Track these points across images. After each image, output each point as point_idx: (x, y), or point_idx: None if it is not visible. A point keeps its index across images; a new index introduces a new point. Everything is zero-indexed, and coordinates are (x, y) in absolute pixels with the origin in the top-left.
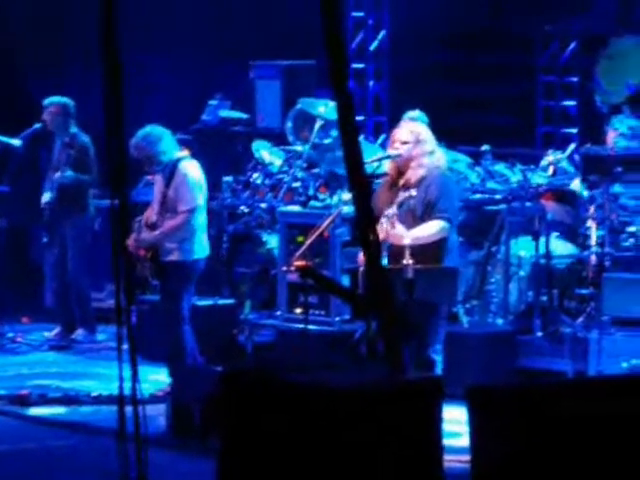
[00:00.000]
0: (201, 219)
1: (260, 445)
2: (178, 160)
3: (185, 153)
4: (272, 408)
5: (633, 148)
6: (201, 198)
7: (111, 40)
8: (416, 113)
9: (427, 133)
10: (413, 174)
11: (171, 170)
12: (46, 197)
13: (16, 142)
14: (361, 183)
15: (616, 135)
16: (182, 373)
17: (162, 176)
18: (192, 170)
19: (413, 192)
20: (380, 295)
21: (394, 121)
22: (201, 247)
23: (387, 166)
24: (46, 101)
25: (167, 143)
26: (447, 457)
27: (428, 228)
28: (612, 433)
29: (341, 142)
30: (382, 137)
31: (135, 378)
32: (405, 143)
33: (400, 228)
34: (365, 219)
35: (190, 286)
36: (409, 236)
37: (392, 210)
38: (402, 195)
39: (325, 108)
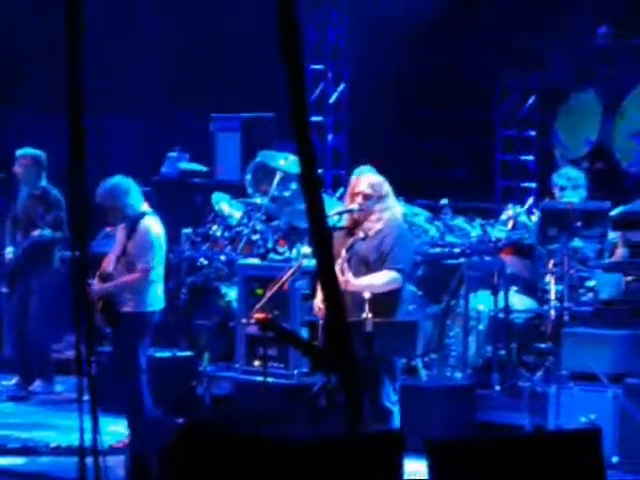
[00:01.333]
0: (159, 272)
1: None
2: (142, 214)
3: (148, 207)
4: (231, 461)
5: (592, 203)
6: (159, 257)
7: (77, 94)
8: (366, 168)
9: (387, 187)
10: (371, 226)
11: (133, 224)
12: (9, 251)
13: None
14: (323, 235)
15: (558, 190)
16: (140, 425)
17: (124, 227)
18: (154, 227)
19: (361, 234)
20: (340, 348)
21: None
22: (157, 299)
23: (347, 220)
24: (19, 152)
25: (134, 196)
26: None
27: (379, 277)
28: None
29: (303, 194)
30: (340, 190)
31: (96, 429)
32: (366, 197)
33: (349, 275)
34: (326, 271)
35: (145, 337)
36: (357, 283)
37: (342, 254)
38: (352, 239)
39: (285, 161)
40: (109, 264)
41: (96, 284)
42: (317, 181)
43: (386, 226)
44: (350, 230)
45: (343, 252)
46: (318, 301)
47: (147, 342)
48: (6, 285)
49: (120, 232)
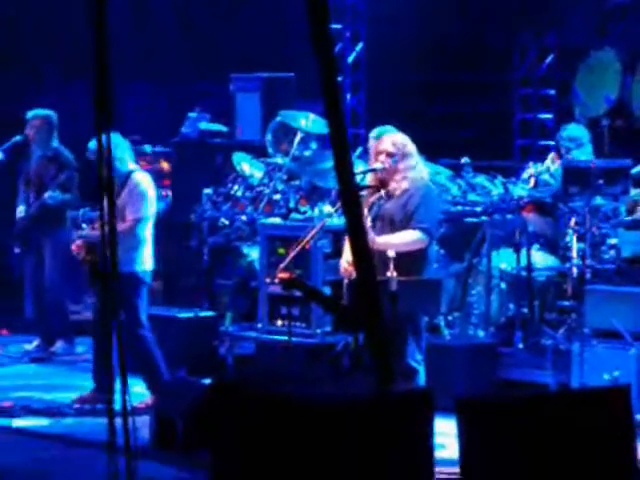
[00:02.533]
0: (147, 232)
1: (250, 456)
2: (131, 172)
3: (136, 166)
4: (258, 421)
5: (615, 161)
6: (149, 210)
7: (104, 58)
8: (386, 128)
9: (411, 146)
10: (397, 186)
11: (124, 180)
12: (21, 210)
13: None
14: (351, 193)
15: (564, 152)
16: (159, 382)
17: (115, 185)
18: (143, 182)
19: (386, 194)
20: (370, 306)
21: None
22: (147, 259)
23: (369, 178)
24: (30, 114)
25: (124, 152)
26: None
27: (403, 236)
28: (598, 443)
29: (332, 153)
30: (359, 150)
31: (125, 390)
32: (390, 155)
33: (371, 234)
34: (355, 229)
35: (141, 295)
36: (381, 242)
37: (366, 214)
38: (375, 198)
39: (306, 120)
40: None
41: (88, 230)
42: (345, 140)
43: (412, 185)
44: (375, 190)
45: (365, 211)
46: (344, 261)
47: (144, 300)
48: (19, 245)
49: None
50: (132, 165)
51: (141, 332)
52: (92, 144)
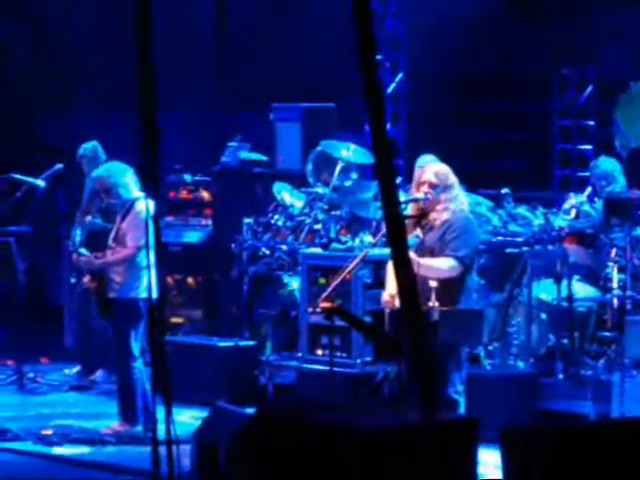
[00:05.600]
0: (148, 258)
1: None
2: (136, 199)
3: (141, 193)
4: (307, 449)
5: None
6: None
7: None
8: (429, 157)
9: (453, 177)
10: (438, 217)
11: (128, 207)
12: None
13: (40, 183)
14: (397, 223)
15: (599, 190)
16: (130, 411)
17: (119, 213)
18: (147, 209)
19: (428, 225)
20: (416, 334)
21: (411, 164)
22: (146, 287)
23: (410, 208)
24: (81, 148)
25: (128, 179)
26: None
27: (436, 262)
28: None
29: (377, 182)
30: (399, 180)
31: (169, 419)
32: (432, 186)
33: (415, 257)
34: (400, 259)
35: (137, 324)
36: (420, 262)
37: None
38: (415, 229)
39: (347, 151)
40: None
41: (91, 258)
42: (392, 170)
43: (452, 217)
44: (417, 221)
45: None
46: (386, 294)
47: (140, 328)
48: (75, 276)
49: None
50: (137, 193)
51: (129, 362)
52: (96, 172)
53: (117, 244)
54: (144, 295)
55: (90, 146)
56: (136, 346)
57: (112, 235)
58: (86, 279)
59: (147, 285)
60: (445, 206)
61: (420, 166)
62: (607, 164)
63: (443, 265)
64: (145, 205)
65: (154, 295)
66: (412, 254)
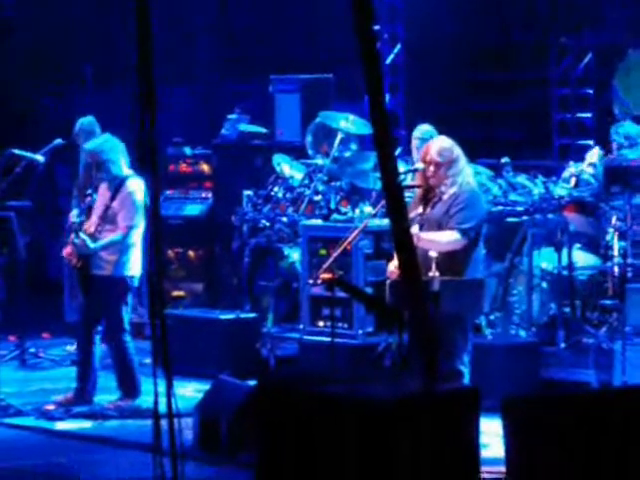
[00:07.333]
0: (137, 238)
1: (296, 456)
2: (127, 177)
3: (131, 171)
4: (309, 420)
5: None
6: (141, 218)
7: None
8: (426, 127)
9: (457, 149)
10: (445, 190)
11: (118, 185)
12: (74, 214)
13: (39, 158)
14: (395, 194)
15: (616, 146)
16: (131, 385)
17: (108, 189)
18: (138, 189)
19: (420, 210)
20: (416, 305)
21: (410, 135)
22: (135, 264)
23: (418, 179)
24: (78, 124)
25: (118, 155)
26: None
27: (440, 235)
28: None
29: (376, 153)
30: (398, 150)
31: (170, 392)
32: (438, 165)
33: (416, 231)
34: (401, 228)
35: (125, 300)
36: (424, 237)
37: (413, 216)
38: (422, 202)
39: (346, 122)
40: (90, 225)
41: (82, 242)
42: (390, 141)
43: (459, 189)
44: (424, 195)
45: (414, 214)
46: (392, 264)
47: (128, 304)
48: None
49: (102, 191)
50: (127, 170)
51: (122, 336)
52: (88, 145)
53: (107, 223)
54: (132, 272)
55: (87, 121)
56: (127, 319)
57: (99, 212)
58: (72, 257)
59: (134, 262)
60: (453, 180)
61: (418, 137)
62: (632, 128)
63: (444, 238)
64: (137, 184)
65: (140, 272)
66: (417, 231)
